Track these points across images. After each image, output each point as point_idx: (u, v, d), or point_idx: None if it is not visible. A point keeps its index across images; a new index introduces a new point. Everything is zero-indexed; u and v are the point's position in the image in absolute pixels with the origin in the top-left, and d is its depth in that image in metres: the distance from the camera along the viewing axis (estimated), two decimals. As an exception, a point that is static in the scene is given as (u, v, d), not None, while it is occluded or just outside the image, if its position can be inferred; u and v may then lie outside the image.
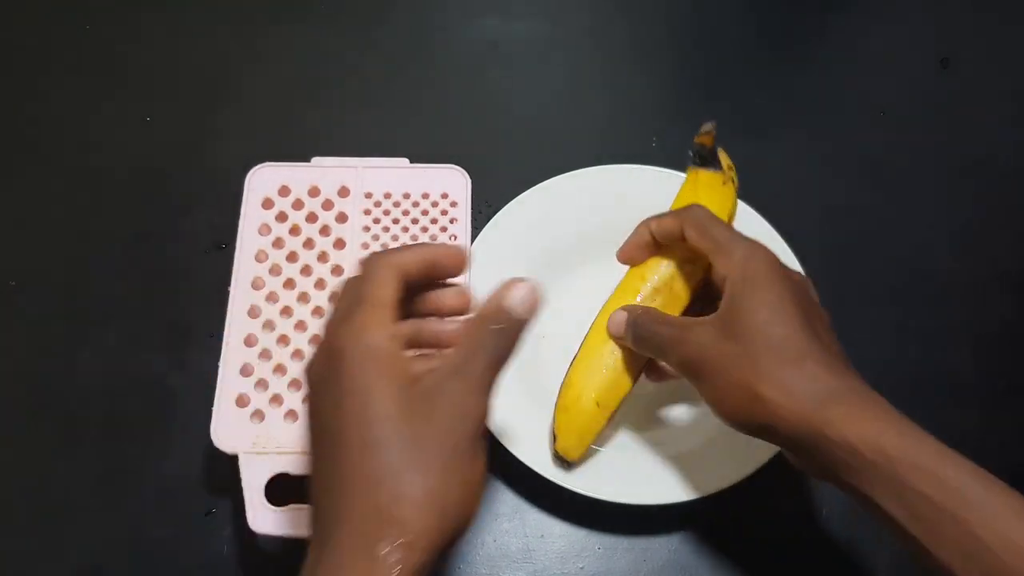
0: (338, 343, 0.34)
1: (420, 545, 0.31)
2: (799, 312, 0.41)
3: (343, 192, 0.56)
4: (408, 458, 0.32)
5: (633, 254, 0.50)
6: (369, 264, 0.37)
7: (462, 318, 0.41)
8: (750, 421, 0.41)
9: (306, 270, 0.53)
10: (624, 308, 0.48)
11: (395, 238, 0.55)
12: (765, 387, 0.39)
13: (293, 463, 0.48)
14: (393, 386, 0.33)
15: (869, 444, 0.37)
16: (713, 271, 0.46)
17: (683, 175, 0.61)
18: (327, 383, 0.34)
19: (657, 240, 0.49)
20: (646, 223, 0.49)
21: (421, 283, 0.39)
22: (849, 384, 0.40)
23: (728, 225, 0.47)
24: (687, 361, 0.44)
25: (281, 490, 0.47)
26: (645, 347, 0.47)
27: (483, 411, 0.34)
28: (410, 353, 0.37)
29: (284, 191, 0.55)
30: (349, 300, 0.36)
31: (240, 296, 0.52)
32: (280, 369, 0.50)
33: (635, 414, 0.55)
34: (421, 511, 0.31)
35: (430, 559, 0.31)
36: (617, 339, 0.49)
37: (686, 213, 0.47)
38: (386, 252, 0.38)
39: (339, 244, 0.54)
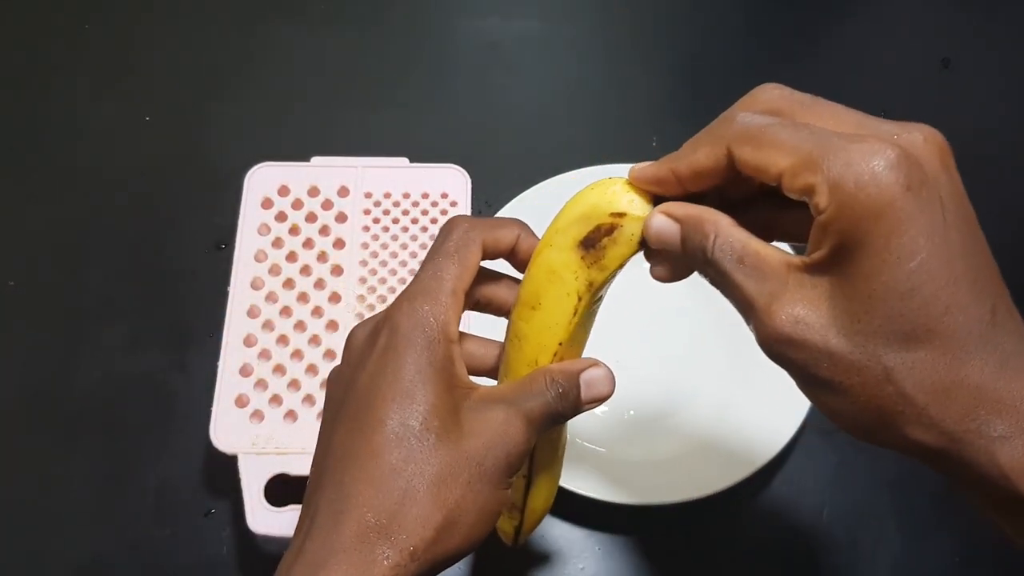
0: (399, 318, 0.32)
1: (420, 556, 0.29)
2: (950, 260, 0.26)
3: (343, 192, 0.55)
4: (435, 463, 0.30)
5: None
6: (459, 235, 0.34)
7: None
8: (887, 443, 0.29)
9: (305, 270, 0.53)
10: (675, 215, 0.31)
11: (395, 238, 0.55)
12: (902, 407, 0.26)
13: (293, 463, 0.48)
14: (442, 383, 0.31)
15: None
16: (788, 186, 0.27)
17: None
18: (371, 355, 0.32)
19: (684, 185, 0.32)
20: (669, 162, 0.33)
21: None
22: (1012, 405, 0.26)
23: (800, 120, 0.30)
24: (779, 344, 0.28)
25: (280, 490, 0.47)
26: (715, 282, 0.31)
27: (522, 448, 0.32)
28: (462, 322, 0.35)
29: (284, 191, 0.55)
30: (431, 272, 0.33)
31: (239, 296, 0.52)
32: (280, 369, 0.50)
33: (635, 414, 0.55)
34: (429, 523, 0.29)
35: (426, 572, 0.30)
36: (656, 244, 0.33)
37: (725, 126, 0.31)
38: (478, 223, 0.34)
39: (339, 244, 0.54)
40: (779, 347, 0.28)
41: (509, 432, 0.31)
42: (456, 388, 0.32)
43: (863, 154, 0.26)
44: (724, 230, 0.29)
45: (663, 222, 0.31)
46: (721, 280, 0.30)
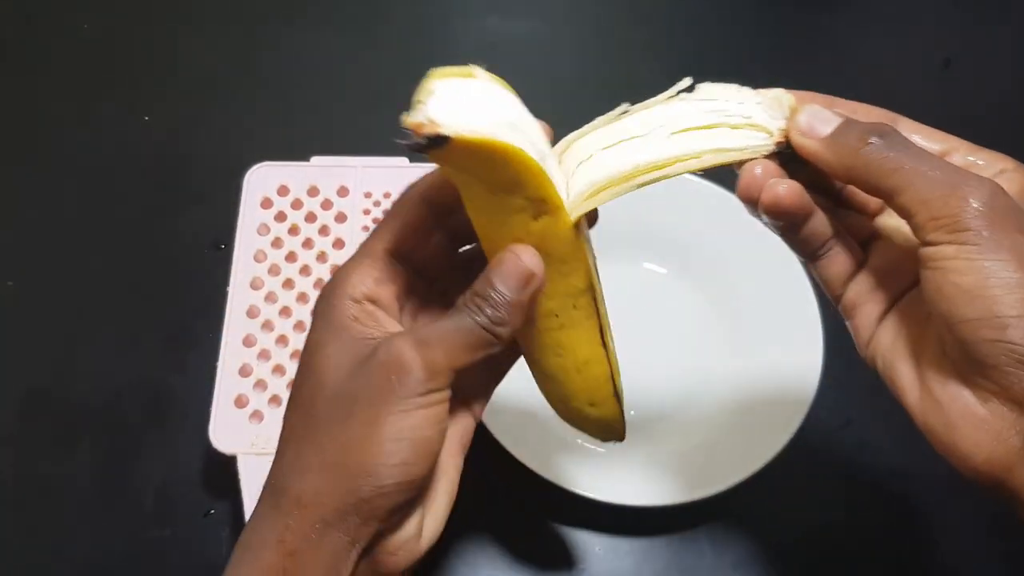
0: (321, 291, 0.33)
1: (310, 505, 0.30)
2: None
3: (342, 192, 0.55)
4: (326, 418, 0.31)
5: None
6: (399, 195, 0.34)
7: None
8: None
9: (305, 270, 0.53)
10: (819, 104, 0.33)
11: (395, 238, 0.54)
12: None
13: (292, 463, 0.47)
14: (340, 343, 0.31)
15: None
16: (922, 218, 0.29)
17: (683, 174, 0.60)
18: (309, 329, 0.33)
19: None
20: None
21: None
22: None
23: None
24: (963, 215, 0.28)
25: (280, 490, 0.47)
26: (863, 171, 0.30)
27: (413, 366, 0.30)
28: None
29: (283, 191, 0.55)
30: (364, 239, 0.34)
31: (239, 296, 0.52)
32: (279, 369, 0.50)
33: (637, 414, 0.55)
34: (315, 474, 0.30)
35: (331, 519, 0.30)
36: (806, 138, 0.32)
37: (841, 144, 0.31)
38: (424, 177, 0.33)
39: (338, 244, 0.54)
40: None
41: (406, 361, 0.30)
42: (359, 342, 0.31)
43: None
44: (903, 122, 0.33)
45: (825, 112, 0.32)
46: (888, 168, 0.30)
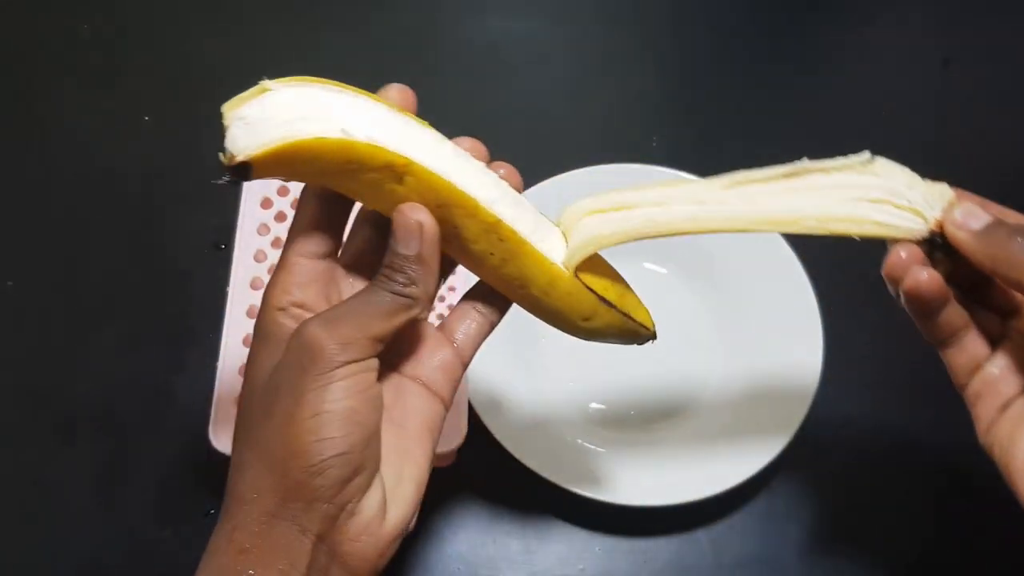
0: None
1: (251, 501, 0.31)
2: None
3: (343, 192, 0.55)
4: (255, 416, 0.32)
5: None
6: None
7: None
8: None
9: (306, 270, 0.53)
10: (975, 203, 0.36)
11: (395, 238, 0.54)
12: None
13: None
14: (265, 350, 0.33)
15: None
16: None
17: (684, 175, 0.61)
18: None
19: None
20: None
21: None
22: None
23: None
24: None
25: (280, 490, 0.47)
26: (1004, 264, 0.33)
27: (323, 344, 0.30)
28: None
29: (283, 191, 0.55)
30: None
31: (239, 296, 0.52)
32: (279, 369, 0.50)
33: (636, 414, 0.55)
34: (251, 469, 0.32)
35: (274, 510, 0.31)
36: (958, 230, 0.35)
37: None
38: None
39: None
40: None
41: (317, 344, 0.31)
42: (282, 343, 0.32)
43: None
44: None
45: (979, 211, 0.35)
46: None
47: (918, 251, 0.35)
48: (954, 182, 0.67)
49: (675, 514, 0.52)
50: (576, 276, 0.35)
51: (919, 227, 0.36)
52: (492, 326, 0.37)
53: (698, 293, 0.59)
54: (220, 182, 0.32)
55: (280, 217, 0.54)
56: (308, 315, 0.33)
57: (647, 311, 0.37)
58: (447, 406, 0.35)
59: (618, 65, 0.73)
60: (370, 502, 0.32)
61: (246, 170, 0.31)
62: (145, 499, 0.53)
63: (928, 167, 0.68)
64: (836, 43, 0.75)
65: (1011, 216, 0.37)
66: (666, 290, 0.59)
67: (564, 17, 0.75)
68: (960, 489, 0.54)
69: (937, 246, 0.36)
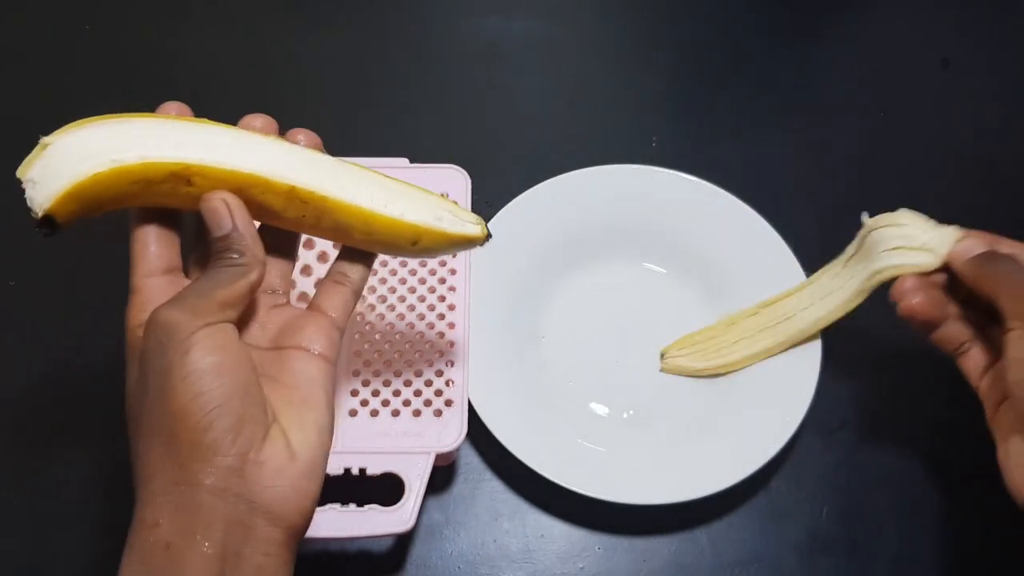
0: None
1: (154, 476, 0.33)
2: None
3: (343, 192, 0.55)
4: (135, 408, 0.35)
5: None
6: None
7: None
8: None
9: (306, 270, 0.53)
10: (978, 239, 0.44)
11: (395, 238, 0.55)
12: None
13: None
14: (133, 357, 0.36)
15: None
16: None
17: (683, 175, 0.61)
18: None
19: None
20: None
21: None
22: None
23: None
24: None
25: (281, 490, 0.47)
26: (986, 278, 0.43)
27: (170, 319, 0.33)
28: None
29: (284, 191, 0.55)
30: None
31: (240, 296, 0.52)
32: (280, 369, 0.50)
33: (636, 413, 0.55)
34: (144, 453, 0.34)
35: (177, 477, 0.32)
36: (959, 260, 0.44)
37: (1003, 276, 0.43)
38: None
39: (338, 244, 0.54)
40: None
41: (167, 322, 0.33)
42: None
43: None
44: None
45: (972, 242, 0.44)
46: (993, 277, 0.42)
47: (915, 280, 0.44)
48: (954, 182, 0.67)
49: (675, 513, 0.52)
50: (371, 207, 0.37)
51: (930, 262, 0.45)
52: (349, 280, 0.39)
53: (698, 293, 0.59)
54: (41, 237, 0.36)
55: (280, 217, 0.54)
56: None
57: (475, 217, 0.39)
58: (331, 362, 0.36)
59: (618, 65, 0.73)
60: (274, 450, 0.32)
61: (51, 222, 0.36)
62: (145, 499, 0.53)
63: (928, 167, 0.68)
64: (836, 43, 0.75)
65: (1005, 246, 0.44)
66: (666, 290, 0.59)
67: (563, 17, 0.75)
68: (960, 489, 0.54)
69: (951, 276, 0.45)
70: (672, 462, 0.52)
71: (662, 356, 0.56)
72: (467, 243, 0.39)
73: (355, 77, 0.71)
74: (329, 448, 0.35)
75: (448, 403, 0.49)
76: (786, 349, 0.54)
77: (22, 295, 0.59)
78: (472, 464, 0.54)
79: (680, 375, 0.56)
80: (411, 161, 0.57)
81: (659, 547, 0.52)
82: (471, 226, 0.38)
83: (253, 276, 0.34)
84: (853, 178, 0.67)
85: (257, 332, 0.37)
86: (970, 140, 0.69)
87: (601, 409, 0.55)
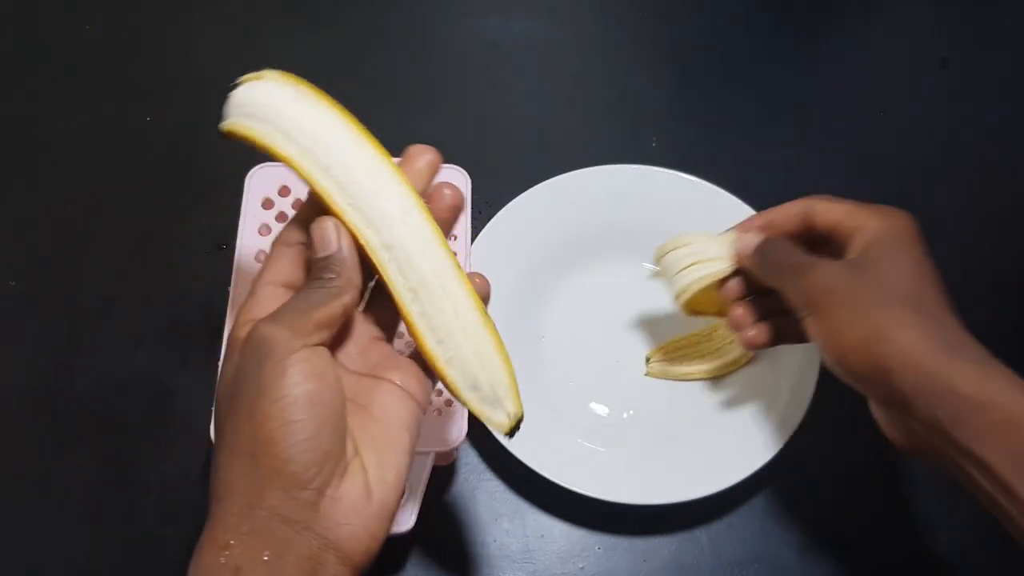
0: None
1: (227, 496, 0.32)
2: (936, 278, 0.42)
3: (343, 192, 0.55)
4: (223, 418, 0.34)
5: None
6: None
7: None
8: (865, 362, 0.40)
9: (306, 270, 0.53)
10: (752, 232, 0.48)
11: (395, 238, 0.55)
12: (894, 325, 0.39)
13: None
14: (231, 358, 0.34)
15: (1002, 403, 0.36)
16: (841, 228, 0.45)
17: (683, 175, 0.61)
18: None
19: (777, 227, 0.48)
20: (767, 213, 0.49)
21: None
22: (978, 348, 0.39)
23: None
24: (810, 288, 0.42)
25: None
26: (768, 272, 0.46)
27: (271, 336, 0.32)
28: None
29: (284, 191, 0.55)
30: None
31: (240, 297, 0.52)
32: (280, 369, 0.50)
33: (636, 413, 0.55)
34: (224, 469, 0.32)
35: (253, 500, 0.31)
36: (743, 259, 0.48)
37: (813, 197, 0.48)
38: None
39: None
40: (825, 282, 0.42)
41: (269, 344, 0.32)
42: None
43: (905, 215, 0.45)
44: (784, 239, 0.48)
45: (752, 236, 0.48)
46: (783, 258, 0.46)
47: (746, 308, 0.49)
48: (954, 182, 0.67)
49: (674, 513, 0.52)
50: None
51: (724, 267, 0.49)
52: None
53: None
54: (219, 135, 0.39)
55: (281, 217, 0.54)
56: None
57: (514, 406, 0.36)
58: (421, 408, 0.36)
59: (617, 65, 0.73)
60: (353, 486, 0.32)
61: (224, 135, 0.39)
62: (145, 499, 0.53)
63: (928, 167, 0.68)
64: (836, 43, 0.75)
65: (782, 212, 0.48)
66: (666, 290, 0.59)
67: (563, 16, 0.75)
68: (960, 488, 0.54)
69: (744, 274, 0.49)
70: (672, 462, 0.52)
71: (647, 361, 0.57)
72: (488, 423, 0.37)
73: (355, 77, 0.71)
74: (402, 494, 0.34)
75: (448, 403, 0.49)
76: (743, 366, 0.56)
77: (22, 295, 0.59)
78: (472, 464, 0.54)
79: (664, 379, 0.56)
80: (411, 161, 0.57)
81: (659, 547, 0.52)
82: (500, 415, 0.36)
83: (347, 298, 0.34)
84: (853, 178, 0.67)
85: (356, 356, 0.37)
86: (970, 140, 0.69)
87: (601, 409, 0.55)
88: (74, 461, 0.54)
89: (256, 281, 0.36)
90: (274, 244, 0.37)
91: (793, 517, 0.53)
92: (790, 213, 0.48)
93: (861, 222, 0.44)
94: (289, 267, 0.37)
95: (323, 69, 0.73)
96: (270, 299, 0.35)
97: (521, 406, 0.36)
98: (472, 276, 0.37)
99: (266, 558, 0.30)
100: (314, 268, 0.35)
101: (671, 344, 0.57)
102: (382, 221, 0.35)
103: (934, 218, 0.66)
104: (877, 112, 0.70)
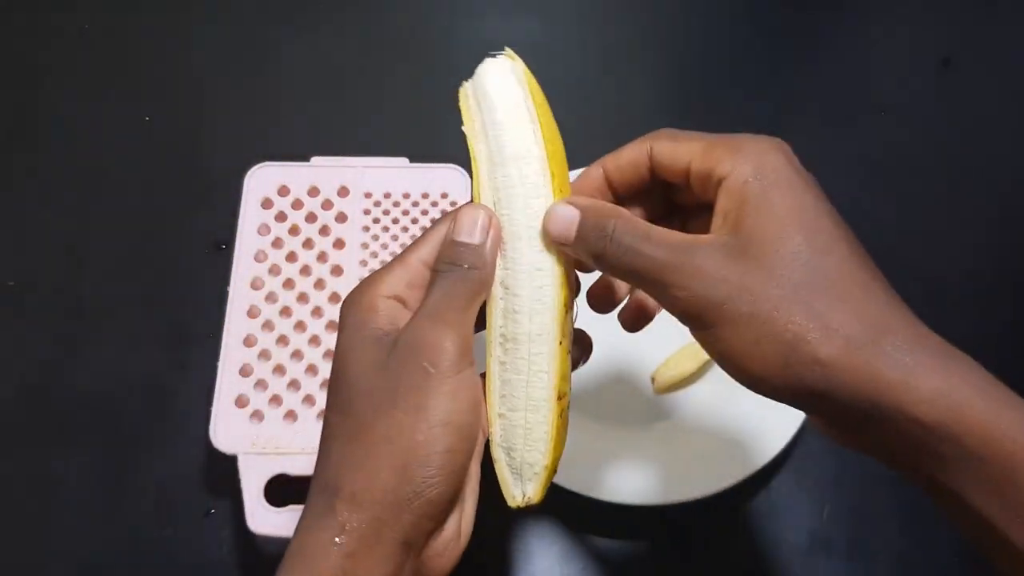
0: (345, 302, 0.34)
1: (365, 503, 0.30)
2: (835, 223, 0.31)
3: (343, 192, 0.56)
4: (367, 414, 0.31)
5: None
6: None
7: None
8: (788, 386, 0.29)
9: (305, 270, 0.53)
10: (577, 204, 0.33)
11: (395, 238, 0.55)
12: (812, 331, 0.28)
13: (293, 464, 0.48)
14: (362, 336, 0.32)
15: (979, 432, 0.27)
16: (695, 177, 0.33)
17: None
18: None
19: (614, 184, 0.36)
20: (599, 162, 0.37)
21: None
22: (920, 332, 0.29)
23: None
24: (691, 302, 0.30)
25: (280, 491, 0.47)
26: (619, 272, 0.32)
27: (441, 343, 0.31)
28: None
29: (283, 191, 0.55)
30: None
31: (239, 296, 0.52)
32: (279, 369, 0.50)
33: (635, 414, 0.55)
34: (367, 471, 0.30)
35: (386, 518, 0.30)
36: (561, 245, 0.33)
37: (652, 134, 0.36)
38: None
39: (339, 244, 0.54)
40: (693, 299, 0.30)
41: (421, 337, 0.31)
42: (379, 339, 0.32)
43: (766, 142, 0.32)
44: (626, 217, 0.32)
45: (564, 210, 0.32)
46: (627, 257, 0.31)
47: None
48: (954, 182, 0.67)
49: (675, 514, 0.52)
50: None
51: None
52: None
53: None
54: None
55: (280, 217, 0.54)
56: (404, 313, 0.33)
57: (535, 485, 0.35)
58: (486, 436, 0.35)
59: (617, 65, 0.73)
60: (453, 520, 0.32)
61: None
62: (145, 499, 0.53)
63: (928, 167, 0.68)
64: (836, 43, 0.75)
65: (600, 169, 0.37)
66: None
67: (563, 17, 0.75)
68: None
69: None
70: (672, 463, 0.52)
71: (652, 381, 0.56)
72: (501, 485, 0.36)
73: (355, 77, 0.71)
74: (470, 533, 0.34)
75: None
76: None
77: (22, 295, 0.59)
78: (472, 464, 0.54)
79: (675, 389, 0.56)
80: (411, 161, 0.57)
81: (659, 547, 0.52)
82: (516, 490, 0.35)
83: (484, 295, 0.33)
84: (853, 178, 0.67)
85: None
86: (970, 140, 0.69)
87: (601, 409, 0.55)
88: (74, 461, 0.54)
89: (405, 252, 0.34)
90: (435, 223, 0.35)
91: (793, 517, 0.53)
92: (631, 161, 0.35)
93: (719, 168, 0.32)
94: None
95: (323, 69, 0.73)
96: (402, 273, 0.33)
97: (541, 496, 0.35)
98: (579, 335, 0.36)
99: (371, 568, 0.30)
100: (450, 251, 0.33)
101: (672, 360, 0.56)
102: (514, 264, 0.33)
103: (934, 218, 0.67)
104: (877, 112, 0.70)
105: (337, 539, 0.30)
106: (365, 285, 0.33)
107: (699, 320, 0.30)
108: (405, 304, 0.33)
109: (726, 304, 0.29)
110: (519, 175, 0.33)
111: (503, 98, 0.36)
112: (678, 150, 0.34)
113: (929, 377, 0.27)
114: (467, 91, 0.37)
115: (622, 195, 0.36)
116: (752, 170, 0.31)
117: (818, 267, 0.29)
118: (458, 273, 0.32)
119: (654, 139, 0.35)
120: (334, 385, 0.32)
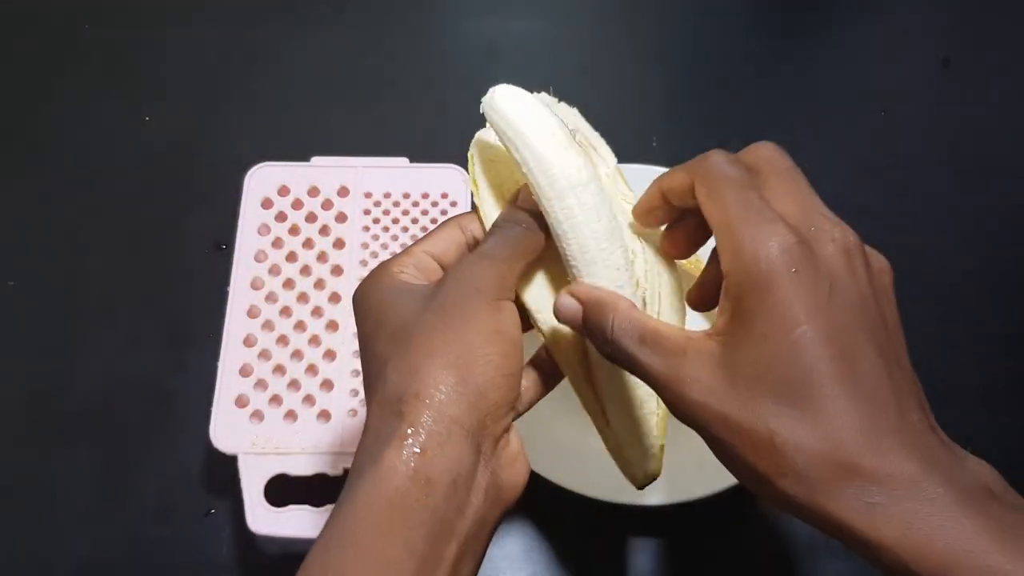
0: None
1: (433, 400, 0.30)
2: (830, 336, 0.27)
3: (343, 192, 0.56)
4: (424, 329, 0.31)
5: (643, 219, 0.37)
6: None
7: None
8: (773, 503, 0.29)
9: (305, 270, 0.53)
10: (579, 296, 0.33)
11: (395, 238, 0.55)
12: (772, 471, 0.28)
13: (293, 464, 0.48)
14: (402, 289, 0.33)
15: (931, 571, 0.26)
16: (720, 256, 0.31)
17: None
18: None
19: (670, 203, 0.35)
20: (658, 179, 0.35)
21: None
22: (891, 463, 0.27)
23: (753, 185, 0.31)
24: (685, 412, 0.30)
25: (280, 491, 0.47)
26: (620, 363, 0.32)
27: (488, 273, 0.33)
28: None
29: (283, 191, 0.55)
30: None
31: (239, 296, 0.52)
32: (279, 369, 0.50)
33: (635, 414, 0.55)
34: (431, 372, 0.30)
35: (456, 415, 0.30)
36: (564, 322, 0.34)
37: (699, 162, 0.32)
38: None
39: (339, 244, 0.54)
40: (687, 411, 0.30)
41: (471, 272, 0.33)
42: (415, 286, 0.34)
43: (766, 234, 0.28)
44: (623, 312, 0.32)
45: (567, 302, 0.33)
46: (625, 359, 0.31)
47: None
48: (954, 182, 0.67)
49: (676, 514, 0.52)
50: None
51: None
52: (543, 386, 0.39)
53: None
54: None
55: (280, 217, 0.54)
56: (437, 270, 0.35)
57: (652, 464, 0.40)
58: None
59: (617, 65, 0.73)
60: (516, 436, 0.33)
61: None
62: (145, 499, 0.53)
63: (928, 167, 0.68)
64: (836, 43, 0.75)
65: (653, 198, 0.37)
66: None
67: (563, 16, 0.75)
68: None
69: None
70: (672, 462, 0.52)
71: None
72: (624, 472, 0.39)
73: (355, 77, 0.71)
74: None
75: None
76: None
77: (22, 295, 0.59)
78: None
79: None
80: (411, 161, 0.57)
81: (658, 547, 0.52)
82: (638, 471, 0.39)
83: (535, 251, 0.35)
84: (853, 178, 0.67)
85: None
86: (970, 140, 0.69)
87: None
88: (74, 461, 0.54)
89: (413, 244, 0.36)
90: (448, 222, 0.37)
91: (794, 518, 0.53)
92: (675, 184, 0.34)
93: (725, 251, 0.29)
94: (447, 249, 0.36)
95: (323, 69, 0.73)
96: (440, 243, 0.36)
97: (660, 469, 0.39)
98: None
99: (452, 479, 0.29)
100: (511, 212, 0.35)
101: None
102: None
103: (934, 218, 0.67)
104: (877, 112, 0.70)
105: (406, 438, 0.29)
106: (377, 268, 0.35)
107: (694, 427, 0.31)
108: (441, 261, 0.36)
109: (713, 424, 0.30)
110: (578, 203, 0.33)
111: (534, 127, 0.37)
112: (707, 207, 0.31)
113: (889, 523, 0.27)
114: (482, 138, 0.42)
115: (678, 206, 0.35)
116: (745, 269, 0.28)
117: (788, 363, 0.27)
118: (517, 229, 0.34)
119: (697, 178, 0.32)
120: (372, 328, 0.33)
